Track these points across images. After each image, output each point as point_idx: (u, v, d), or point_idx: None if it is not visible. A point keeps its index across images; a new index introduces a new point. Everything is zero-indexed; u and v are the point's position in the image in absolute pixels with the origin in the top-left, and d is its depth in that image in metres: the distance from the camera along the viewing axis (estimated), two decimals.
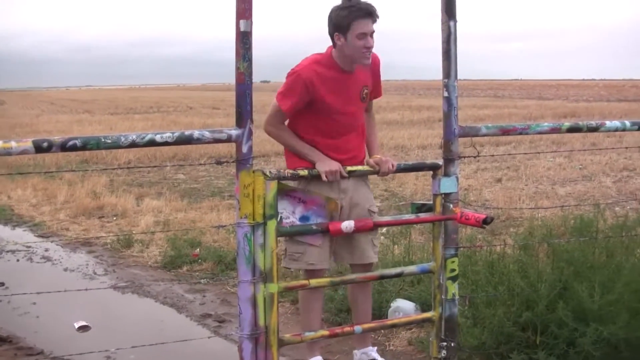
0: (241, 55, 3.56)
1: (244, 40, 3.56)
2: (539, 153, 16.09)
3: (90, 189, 12.27)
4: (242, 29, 3.55)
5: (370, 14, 4.26)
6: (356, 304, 4.82)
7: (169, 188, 13.00)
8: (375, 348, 4.84)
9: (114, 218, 10.30)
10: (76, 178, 13.49)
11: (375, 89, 4.67)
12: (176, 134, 3.59)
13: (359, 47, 4.27)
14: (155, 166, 10.04)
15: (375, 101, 4.84)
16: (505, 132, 4.49)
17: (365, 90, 4.52)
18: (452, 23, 4.06)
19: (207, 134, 3.63)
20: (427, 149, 18.96)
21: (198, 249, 7.90)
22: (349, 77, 4.43)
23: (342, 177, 4.26)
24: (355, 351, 4.85)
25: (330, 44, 4.43)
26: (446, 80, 4.07)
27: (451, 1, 4.06)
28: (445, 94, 4.09)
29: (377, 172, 4.32)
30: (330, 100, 4.39)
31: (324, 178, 4.13)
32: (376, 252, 4.70)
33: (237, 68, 3.57)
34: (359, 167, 4.32)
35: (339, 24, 4.24)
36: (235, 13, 3.58)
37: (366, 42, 4.28)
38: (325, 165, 4.18)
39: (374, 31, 4.31)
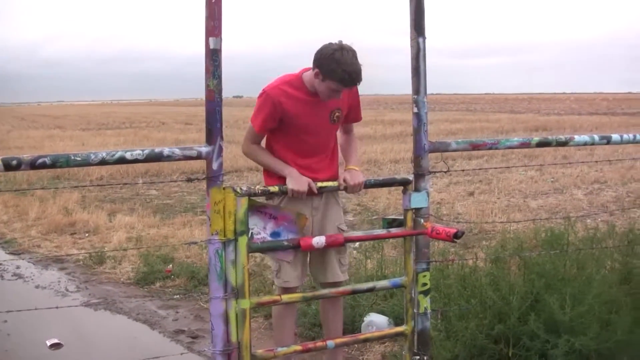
0: (211, 72, 3.56)
1: (213, 57, 3.56)
2: (510, 167, 16.19)
3: (62, 205, 12.18)
4: (211, 47, 3.55)
5: (353, 84, 4.35)
6: (327, 321, 4.84)
7: (142, 204, 12.94)
8: None
9: (86, 234, 10.23)
10: (48, 194, 13.40)
11: (354, 113, 4.75)
12: (146, 152, 3.59)
13: (326, 93, 4.37)
14: (126, 183, 10.01)
15: None
16: (476, 147, 4.52)
17: (337, 114, 4.56)
18: (421, 39, 4.09)
19: (177, 152, 3.63)
20: (400, 163, 19.02)
21: (171, 265, 7.87)
22: (318, 100, 4.46)
23: (311, 193, 4.28)
24: None
25: (301, 67, 4.50)
26: (416, 97, 4.10)
27: (420, 18, 4.09)
28: (415, 110, 4.11)
29: (345, 189, 4.36)
30: (299, 121, 4.45)
31: (290, 194, 4.16)
32: (344, 271, 4.75)
33: (207, 85, 3.58)
34: (329, 184, 4.34)
35: (326, 69, 4.26)
36: (204, 30, 3.59)
37: (336, 95, 4.38)
38: (294, 183, 4.21)
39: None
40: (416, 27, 4.10)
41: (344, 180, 4.34)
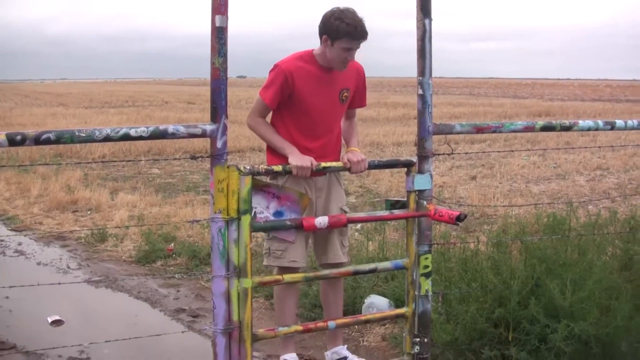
0: (216, 50, 3.56)
1: (219, 35, 3.55)
2: (513, 151, 16.20)
3: (65, 183, 12.20)
4: (217, 25, 3.55)
5: (361, 36, 4.39)
6: (327, 303, 4.86)
7: (144, 183, 12.95)
8: (346, 346, 4.88)
9: (88, 212, 10.25)
10: (50, 172, 13.41)
11: (359, 97, 4.79)
12: (150, 129, 3.59)
13: (340, 57, 4.41)
14: (129, 160, 10.00)
15: None
16: (480, 130, 4.51)
17: (345, 93, 4.59)
18: (427, 21, 4.07)
19: (181, 129, 3.63)
20: (402, 146, 19.02)
21: (172, 244, 7.88)
22: (329, 76, 4.53)
23: (313, 173, 4.29)
24: (326, 352, 4.89)
25: (309, 44, 4.53)
26: (421, 78, 4.09)
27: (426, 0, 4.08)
28: (420, 92, 4.10)
29: (348, 169, 4.36)
30: (308, 98, 4.46)
31: (294, 172, 4.16)
32: (345, 253, 4.78)
33: (213, 63, 3.57)
34: (332, 164, 4.34)
35: (331, 30, 4.35)
36: (210, 8, 3.58)
37: (348, 55, 4.42)
38: (298, 160, 4.22)
39: (359, 47, 4.45)
40: (422, 9, 4.09)
41: (348, 160, 4.35)
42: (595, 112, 34.38)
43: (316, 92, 4.49)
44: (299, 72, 4.43)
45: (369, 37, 4.40)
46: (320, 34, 4.41)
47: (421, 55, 4.10)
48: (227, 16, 3.57)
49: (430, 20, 4.10)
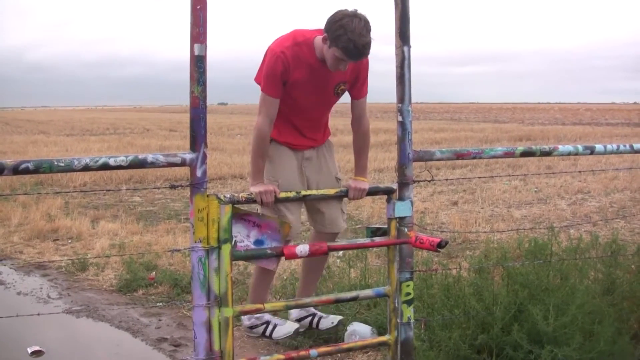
0: (195, 79, 3.56)
1: (198, 64, 3.55)
2: (494, 177, 16.23)
3: (45, 211, 12.11)
4: (196, 53, 3.55)
5: (357, 57, 4.29)
6: (307, 280, 4.92)
7: (125, 211, 12.88)
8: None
9: (69, 241, 10.17)
10: (31, 200, 13.32)
11: (358, 89, 4.70)
12: (130, 158, 3.57)
13: (332, 63, 4.35)
14: (110, 190, 9.93)
15: (331, 124, 4.89)
16: (460, 156, 4.52)
17: (342, 87, 4.58)
18: (406, 48, 4.09)
19: (161, 158, 3.62)
20: (384, 172, 19.02)
21: (154, 272, 7.83)
22: (326, 68, 4.46)
23: (302, 146, 4.57)
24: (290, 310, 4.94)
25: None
26: (400, 105, 4.10)
27: (405, 26, 4.09)
28: (400, 119, 4.11)
29: (345, 195, 4.38)
30: (302, 86, 4.42)
31: (257, 199, 4.14)
32: (344, 219, 4.92)
33: (192, 92, 3.57)
34: (313, 192, 4.37)
35: (332, 34, 4.24)
36: (189, 37, 3.58)
37: (340, 64, 4.36)
38: (259, 187, 4.25)
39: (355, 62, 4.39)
40: (401, 36, 4.10)
41: (349, 185, 4.40)
42: (575, 136, 34.60)
43: (310, 84, 4.45)
44: (296, 62, 4.36)
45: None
46: (324, 29, 4.32)
47: (400, 82, 4.11)
48: (206, 45, 3.57)
49: (409, 47, 4.11)
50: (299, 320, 5.14)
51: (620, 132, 39.34)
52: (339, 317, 5.21)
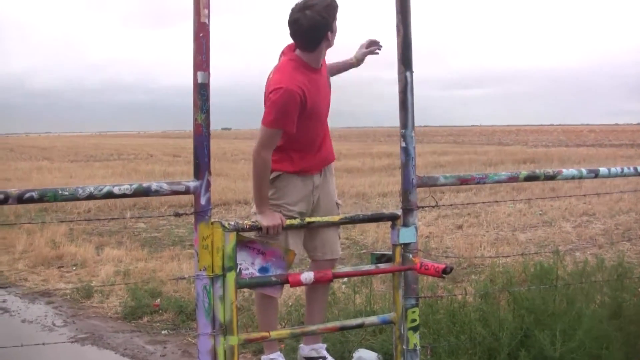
0: (199, 107, 3.56)
1: (201, 92, 3.56)
2: (497, 202, 16.18)
3: (50, 238, 12.10)
4: (199, 81, 3.56)
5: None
6: (312, 310, 4.87)
7: (130, 237, 12.87)
8: (325, 345, 4.86)
9: (74, 268, 10.16)
10: (35, 227, 13.30)
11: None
12: (134, 186, 3.58)
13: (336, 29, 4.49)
14: (114, 218, 9.96)
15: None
16: (464, 181, 4.52)
17: (329, 77, 4.64)
18: (408, 74, 4.10)
19: (165, 186, 3.62)
20: (388, 196, 18.98)
21: (159, 299, 7.80)
22: (320, 73, 4.56)
23: (312, 172, 4.58)
24: (301, 345, 4.87)
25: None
26: (403, 131, 4.10)
27: (407, 52, 4.10)
28: (403, 144, 4.11)
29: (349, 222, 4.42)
30: (316, 104, 4.45)
31: (264, 231, 4.14)
32: (340, 246, 4.94)
33: (195, 119, 3.57)
34: (315, 218, 4.37)
35: (331, 19, 4.37)
36: (192, 64, 3.59)
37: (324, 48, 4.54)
38: (268, 220, 4.21)
39: None
40: (403, 61, 4.11)
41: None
42: (579, 158, 34.57)
43: (318, 96, 4.48)
44: (306, 87, 4.36)
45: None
46: (320, 38, 4.39)
47: (403, 108, 4.12)
48: (209, 72, 3.58)
49: (412, 72, 4.12)
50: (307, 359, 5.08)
51: (624, 153, 39.34)
52: None
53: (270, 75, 4.48)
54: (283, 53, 4.60)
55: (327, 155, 4.77)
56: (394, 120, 4.24)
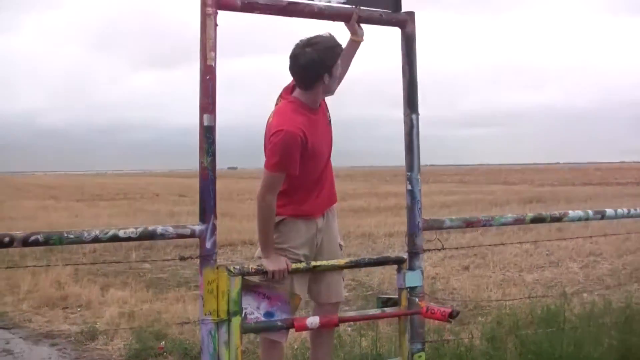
0: (205, 150, 3.57)
1: (207, 135, 3.57)
2: (503, 244, 16.08)
3: (54, 278, 12.06)
4: (205, 124, 3.57)
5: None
6: (317, 346, 4.81)
7: (134, 278, 12.82)
8: None
9: (78, 309, 10.11)
10: (40, 267, 13.27)
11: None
12: (139, 230, 3.57)
13: (338, 77, 4.48)
14: (119, 262, 9.93)
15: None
16: (470, 224, 4.51)
17: (328, 113, 4.62)
18: (414, 116, 4.11)
19: (170, 230, 3.61)
20: (394, 236, 18.92)
21: (163, 342, 7.75)
22: (319, 113, 4.52)
23: (315, 215, 4.48)
24: None
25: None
26: (409, 174, 4.10)
27: (413, 95, 4.12)
28: (409, 187, 4.11)
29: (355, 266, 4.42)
30: (316, 145, 4.41)
31: (270, 276, 4.10)
32: (344, 289, 4.84)
33: (201, 163, 3.58)
34: (322, 263, 4.35)
35: (328, 62, 4.34)
36: (198, 107, 3.60)
37: (333, 84, 4.49)
38: (273, 265, 4.16)
39: None
40: (409, 104, 4.13)
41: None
42: (586, 197, 34.48)
43: (319, 137, 4.45)
44: (306, 128, 4.33)
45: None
46: (316, 78, 4.36)
47: (409, 151, 4.13)
48: (215, 115, 3.59)
49: (417, 115, 4.13)
50: None
51: (630, 191, 39.27)
52: None
53: (269, 119, 4.47)
54: (281, 96, 4.61)
55: (330, 197, 4.75)
56: (400, 160, 4.25)
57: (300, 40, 4.39)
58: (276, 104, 4.58)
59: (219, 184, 3.70)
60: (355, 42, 4.65)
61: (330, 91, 4.49)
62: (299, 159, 4.31)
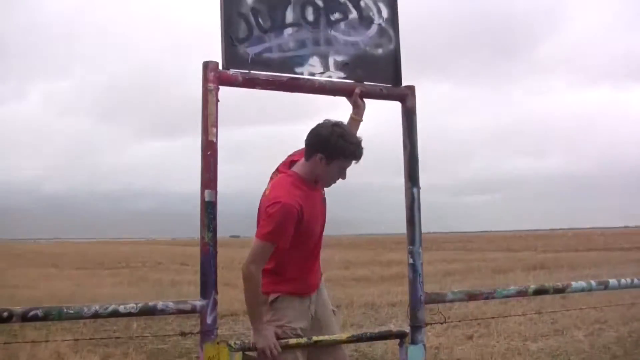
0: (206, 225, 3.58)
1: (208, 210, 3.58)
2: (506, 317, 15.93)
3: (54, 349, 11.93)
4: (206, 199, 3.58)
5: (362, 156, 4.40)
6: None
7: (135, 348, 12.69)
8: None
9: None
10: (39, 337, 13.15)
11: None
12: (140, 305, 3.56)
13: (334, 177, 4.43)
14: (119, 337, 9.87)
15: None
16: (472, 297, 4.50)
17: (323, 192, 4.60)
18: (415, 190, 4.13)
19: (171, 305, 3.60)
20: (397, 306, 18.74)
21: None
22: (316, 190, 4.54)
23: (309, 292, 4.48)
24: None
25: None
26: (411, 247, 4.10)
27: (414, 168, 4.15)
28: (411, 261, 4.11)
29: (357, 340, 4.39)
30: (311, 220, 4.41)
31: (259, 353, 4.06)
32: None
33: (202, 238, 3.59)
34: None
35: (333, 150, 4.32)
36: (200, 182, 3.62)
37: (343, 176, 4.42)
38: (262, 341, 4.11)
39: None
40: (410, 177, 4.15)
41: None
42: (590, 263, 34.28)
43: (314, 214, 4.45)
44: (304, 203, 4.33)
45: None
46: (313, 152, 4.36)
47: (410, 224, 4.13)
48: (216, 191, 3.60)
49: (419, 188, 4.15)
50: None
51: (634, 256, 39.04)
52: None
53: (266, 192, 4.47)
54: (278, 170, 4.62)
55: (320, 272, 4.77)
56: (402, 227, 4.25)
57: (332, 120, 4.44)
58: (271, 178, 4.60)
59: (221, 253, 3.70)
60: (356, 120, 4.68)
61: (323, 182, 4.49)
62: (293, 233, 4.31)
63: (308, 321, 4.63)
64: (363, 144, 4.32)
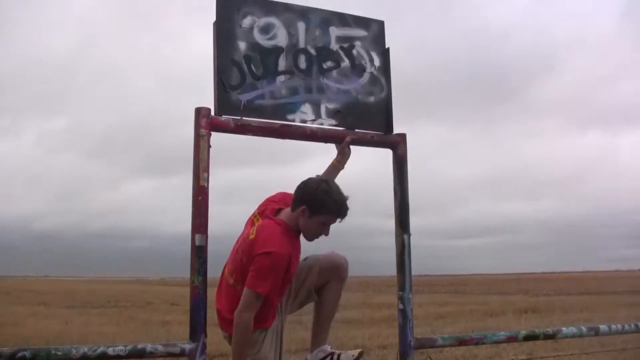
0: (196, 269, 3.59)
1: (199, 254, 3.60)
2: None
3: None
4: (197, 244, 3.60)
5: (344, 215, 4.37)
6: (318, 313, 4.71)
7: None
8: (329, 346, 4.64)
9: None
10: None
11: None
12: (129, 347, 3.57)
13: (317, 230, 4.38)
14: None
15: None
16: (462, 342, 4.51)
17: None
18: (405, 236, 4.15)
19: (160, 348, 3.60)
20: (388, 348, 18.63)
21: None
22: (299, 239, 4.52)
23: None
24: (307, 358, 4.71)
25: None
26: (401, 293, 4.12)
27: (405, 215, 4.17)
28: (401, 307, 4.12)
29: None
30: (294, 270, 4.41)
31: None
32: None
33: (192, 282, 3.59)
34: None
35: (315, 204, 4.30)
36: (190, 227, 3.63)
37: (326, 232, 4.40)
38: None
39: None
40: (401, 225, 4.17)
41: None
42: (582, 307, 34.18)
43: (297, 261, 4.46)
44: (292, 253, 4.34)
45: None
46: (299, 204, 4.35)
47: (401, 270, 4.15)
48: (206, 235, 3.62)
49: (409, 235, 4.17)
50: None
51: (626, 300, 38.93)
52: (359, 350, 4.89)
53: (252, 234, 4.37)
54: (261, 214, 4.56)
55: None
56: (392, 269, 4.26)
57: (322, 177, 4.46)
58: (251, 221, 4.56)
59: (211, 294, 3.70)
60: (336, 167, 4.68)
61: (306, 233, 4.50)
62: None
63: (278, 339, 4.62)
64: (351, 192, 4.34)
